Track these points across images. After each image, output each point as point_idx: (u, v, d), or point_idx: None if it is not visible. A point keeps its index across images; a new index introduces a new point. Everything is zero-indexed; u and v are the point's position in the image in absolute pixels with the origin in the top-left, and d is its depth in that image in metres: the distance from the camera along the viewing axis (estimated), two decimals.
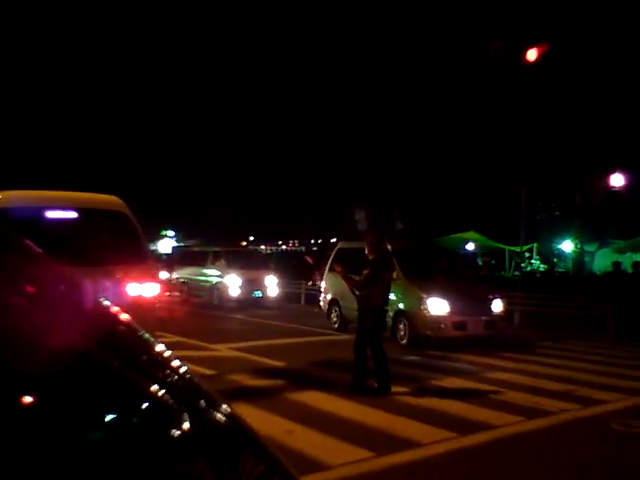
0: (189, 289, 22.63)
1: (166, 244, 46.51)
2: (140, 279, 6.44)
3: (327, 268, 14.94)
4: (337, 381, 8.13)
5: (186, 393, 0.87)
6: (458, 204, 37.43)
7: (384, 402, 7.16)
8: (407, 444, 5.61)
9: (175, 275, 24.04)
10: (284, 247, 63.19)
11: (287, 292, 22.83)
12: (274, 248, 57.42)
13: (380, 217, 34.07)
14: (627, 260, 19.81)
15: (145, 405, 0.75)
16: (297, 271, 25.50)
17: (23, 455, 0.55)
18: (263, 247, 52.85)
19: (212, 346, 11.37)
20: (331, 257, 15.00)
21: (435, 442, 5.70)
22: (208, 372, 8.78)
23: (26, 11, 47.75)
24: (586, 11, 19.69)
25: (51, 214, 6.50)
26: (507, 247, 30.71)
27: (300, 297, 22.58)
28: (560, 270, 32.24)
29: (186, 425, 0.74)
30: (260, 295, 20.42)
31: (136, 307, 6.22)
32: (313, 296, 19.21)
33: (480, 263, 27.98)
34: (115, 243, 6.44)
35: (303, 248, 56.35)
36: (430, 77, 45.04)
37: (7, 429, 0.56)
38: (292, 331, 13.97)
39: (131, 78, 54.76)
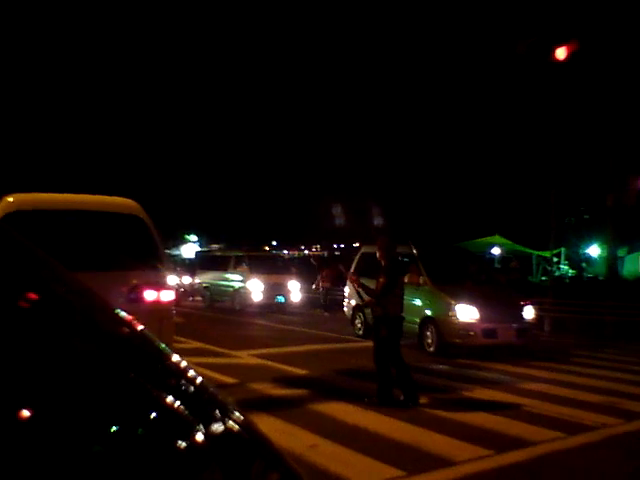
0: (211, 294, 22.45)
1: (189, 249, 46.56)
2: (156, 284, 6.22)
3: (350, 273, 14.59)
4: (363, 391, 7.76)
5: (201, 403, 0.87)
6: (482, 207, 36.82)
7: (413, 415, 6.78)
8: (439, 462, 5.22)
9: (197, 280, 23.91)
10: (306, 252, 62.92)
11: (310, 297, 22.51)
12: (296, 252, 57.18)
13: (391, 220, 33.65)
14: None
15: (153, 415, 0.75)
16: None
17: (24, 467, 0.55)
18: (286, 252, 52.66)
19: (233, 353, 11.09)
20: (355, 261, 14.66)
21: (469, 460, 5.31)
22: (229, 380, 8.51)
23: (35, 17, 48.31)
24: (616, 8, 19.10)
25: (66, 217, 6.31)
26: (534, 252, 30.06)
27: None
28: (589, 275, 31.49)
29: (199, 436, 0.75)
30: (283, 300, 20.15)
31: (152, 313, 6.03)
32: (336, 301, 18.85)
33: (499, 266, 27.48)
34: (131, 247, 6.24)
35: (325, 253, 56.04)
36: (457, 76, 44.50)
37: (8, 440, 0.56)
38: (315, 337, 13.64)
39: (153, 85, 55.11)
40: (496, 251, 30.79)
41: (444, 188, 40.52)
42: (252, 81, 63.09)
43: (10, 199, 6.30)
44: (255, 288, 19.79)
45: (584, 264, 33.58)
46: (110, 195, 7.18)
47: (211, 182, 49.21)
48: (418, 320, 11.57)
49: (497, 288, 12.34)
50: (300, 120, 56.10)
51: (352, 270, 14.48)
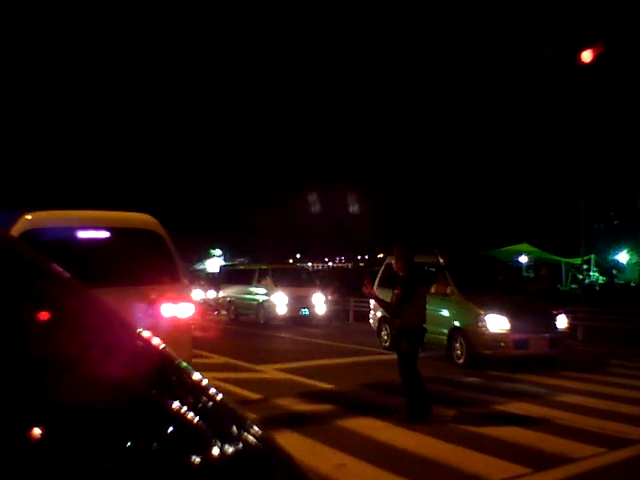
0: (236, 308, 22.37)
1: (214, 263, 46.74)
2: (175, 299, 6.11)
3: (376, 284, 14.37)
4: (392, 406, 7.51)
5: (218, 419, 0.88)
6: (510, 215, 36.28)
7: (444, 431, 6.50)
8: None
9: (222, 294, 23.87)
10: (330, 264, 62.75)
11: (335, 309, 22.27)
12: (321, 265, 57.03)
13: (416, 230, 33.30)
14: None
15: (170, 430, 0.76)
16: (345, 288, 25.00)
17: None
18: (310, 264, 52.53)
19: (258, 367, 10.91)
20: (380, 272, 14.43)
21: (507, 479, 5.02)
22: (253, 396, 8.33)
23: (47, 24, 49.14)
24: None
25: (83, 234, 6.26)
26: (563, 259, 29.51)
27: (349, 314, 21.99)
28: (620, 282, 30.78)
29: (215, 451, 0.76)
30: (307, 313, 19.95)
31: (170, 327, 5.92)
32: (363, 313, 18.59)
33: (532, 275, 26.94)
34: (149, 263, 6.17)
35: (350, 264, 55.81)
36: (483, 82, 44.11)
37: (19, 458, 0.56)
38: (341, 350, 13.40)
39: (177, 100, 55.71)
40: (524, 259, 30.28)
41: (470, 196, 40.08)
42: (268, 89, 63.41)
43: (28, 217, 6.26)
44: (279, 301, 19.64)
45: (614, 271, 32.87)
46: (132, 211, 7.11)
47: (235, 196, 49.42)
48: (446, 331, 11.27)
49: (528, 297, 11.99)
50: (323, 128, 56.12)
51: (377, 282, 14.28)
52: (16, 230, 5.95)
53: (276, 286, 19.91)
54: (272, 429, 6.35)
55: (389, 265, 14.03)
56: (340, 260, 65.84)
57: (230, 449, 0.80)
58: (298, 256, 57.03)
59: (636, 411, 7.39)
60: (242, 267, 27.02)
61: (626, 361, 11.57)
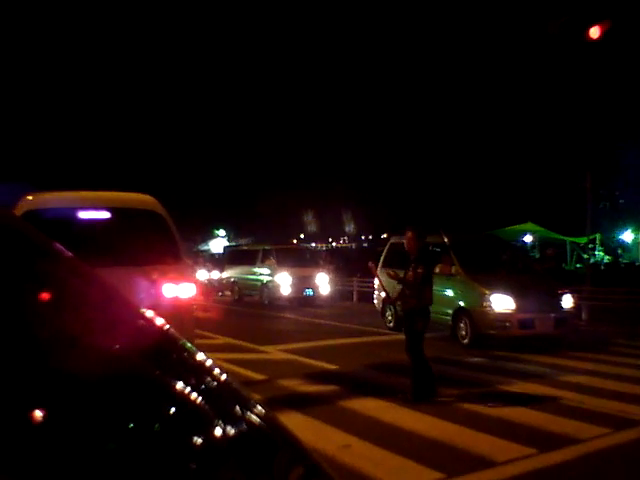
0: (239, 288, 22.37)
1: (218, 244, 46.73)
2: (176, 279, 6.07)
3: (380, 264, 14.32)
4: (397, 387, 7.49)
5: (222, 399, 0.88)
6: (514, 194, 36.08)
7: (450, 411, 6.48)
8: (481, 462, 4.92)
9: (226, 274, 23.86)
10: (334, 244, 62.70)
11: (339, 290, 22.27)
12: (324, 245, 56.97)
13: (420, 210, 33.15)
14: None
15: (172, 411, 0.76)
16: (349, 268, 24.98)
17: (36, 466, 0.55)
18: (314, 244, 52.48)
19: (262, 348, 10.91)
20: (384, 253, 14.37)
21: (512, 460, 4.99)
22: (257, 377, 8.32)
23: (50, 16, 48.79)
24: None
25: (85, 215, 6.22)
26: (568, 238, 29.36)
27: (352, 295, 21.99)
28: (625, 261, 30.64)
29: (218, 431, 0.77)
30: (311, 293, 19.94)
31: (172, 307, 5.88)
32: (367, 294, 18.58)
33: (538, 255, 26.86)
34: (150, 243, 6.13)
35: (353, 245, 55.76)
36: (488, 59, 43.58)
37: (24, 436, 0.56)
38: (345, 331, 13.39)
39: (179, 83, 55.34)
40: (528, 239, 30.17)
41: (474, 175, 39.82)
42: (272, 76, 62.89)
43: (30, 197, 6.23)
44: (283, 282, 19.63)
45: (620, 250, 32.73)
46: (136, 192, 7.05)
47: (238, 176, 49.26)
48: (451, 311, 11.23)
49: (533, 277, 11.91)
50: (326, 111, 55.74)
51: (381, 262, 14.22)
52: (18, 211, 5.91)
53: (280, 266, 19.88)
54: (276, 410, 6.33)
55: (393, 245, 13.99)
56: (344, 240, 65.76)
57: (233, 429, 0.80)
58: (302, 236, 56.96)
59: None
60: (246, 248, 26.97)
61: (632, 340, 11.53)
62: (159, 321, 1.01)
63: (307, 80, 62.52)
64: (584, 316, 14.94)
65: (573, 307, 11.52)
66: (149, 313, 1.01)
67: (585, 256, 26.72)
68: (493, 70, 42.30)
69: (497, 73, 41.77)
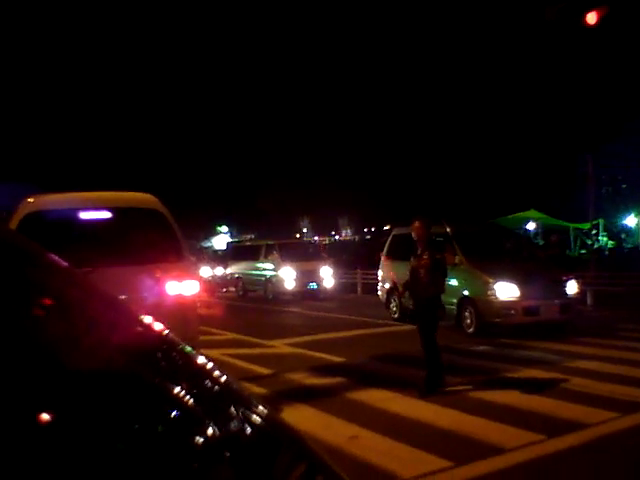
0: (244, 284, 22.40)
1: (221, 240, 46.76)
2: (179, 277, 6.08)
3: (383, 255, 14.32)
4: (403, 377, 7.51)
5: (223, 401, 0.89)
6: (516, 182, 35.99)
7: (457, 400, 6.48)
8: (489, 450, 4.93)
9: (229, 270, 23.89)
10: (337, 237, 62.70)
11: (343, 282, 22.28)
12: (327, 238, 56.97)
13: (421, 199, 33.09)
14: None
15: (174, 414, 0.78)
16: (352, 260, 24.99)
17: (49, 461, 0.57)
18: (317, 238, 52.49)
19: (268, 342, 10.92)
20: (387, 244, 14.37)
21: (521, 447, 5.00)
22: (264, 371, 8.34)
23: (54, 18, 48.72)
24: None
25: (86, 215, 6.23)
26: (571, 224, 29.30)
27: (356, 287, 22.00)
28: (628, 246, 30.60)
29: (219, 432, 0.77)
30: (315, 287, 19.94)
31: (175, 305, 5.90)
32: (371, 286, 18.58)
33: (542, 242, 26.80)
34: (152, 242, 6.14)
35: (356, 237, 55.72)
36: (485, 46, 43.36)
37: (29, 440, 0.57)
38: (350, 323, 13.40)
39: (175, 81, 55.27)
40: (531, 226, 30.11)
41: (476, 164, 39.72)
42: (273, 78, 62.76)
43: (31, 200, 6.24)
44: (287, 276, 19.64)
45: (623, 235, 32.68)
46: (139, 191, 7.06)
47: (239, 173, 49.24)
48: (455, 301, 11.22)
49: (537, 264, 11.89)
50: (326, 105, 55.62)
51: (384, 253, 14.22)
52: (20, 213, 5.92)
53: (283, 261, 19.88)
54: (283, 403, 6.35)
55: (396, 236, 13.98)
56: (346, 233, 65.73)
57: (234, 430, 0.81)
58: (304, 230, 56.95)
59: None
60: (249, 243, 26.98)
61: (637, 325, 11.50)
62: (158, 326, 1.02)
63: (306, 75, 62.38)
64: (589, 302, 14.94)
65: (578, 293, 11.51)
66: (148, 318, 1.02)
67: (589, 242, 26.70)
68: (492, 57, 42.11)
69: (496, 60, 41.58)
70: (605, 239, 30.34)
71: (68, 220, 6.02)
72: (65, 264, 1.03)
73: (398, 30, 53.31)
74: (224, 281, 24.98)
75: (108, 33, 52.55)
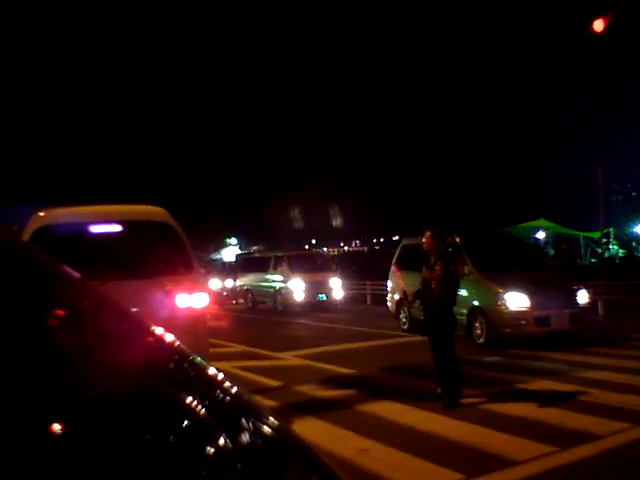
0: (253, 296, 22.41)
1: (230, 252, 46.81)
2: (189, 289, 6.09)
3: (392, 266, 14.29)
4: (413, 389, 7.48)
5: (232, 412, 0.90)
6: (524, 191, 35.87)
7: (467, 412, 6.43)
8: (501, 462, 4.88)
9: (239, 282, 23.92)
10: (346, 248, 62.65)
11: (352, 293, 22.24)
12: (336, 250, 56.96)
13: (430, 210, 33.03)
14: None
15: (186, 424, 0.79)
16: (361, 271, 24.95)
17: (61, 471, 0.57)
18: (325, 249, 52.48)
19: (277, 354, 10.91)
20: (396, 254, 14.34)
21: (534, 459, 4.94)
22: (273, 383, 8.32)
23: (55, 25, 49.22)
24: None
25: (96, 229, 6.26)
26: (581, 233, 29.14)
27: (366, 298, 21.94)
28: (639, 255, 30.37)
29: (230, 443, 0.77)
30: (325, 298, 19.93)
31: (185, 318, 5.91)
32: (380, 296, 18.54)
33: (553, 251, 26.67)
34: (162, 254, 6.15)
35: (365, 248, 55.67)
36: (491, 54, 43.42)
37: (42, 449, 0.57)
38: (360, 334, 13.36)
39: (182, 94, 55.67)
40: (541, 235, 29.96)
41: (485, 174, 39.66)
42: (279, 82, 63.08)
43: (41, 214, 6.28)
44: (296, 287, 19.64)
45: (634, 243, 32.43)
46: (148, 203, 7.09)
47: (248, 185, 49.42)
48: (465, 311, 11.16)
49: (547, 273, 11.83)
50: (335, 117, 55.82)
51: (394, 264, 14.18)
52: (30, 227, 5.97)
53: (292, 272, 19.90)
54: (293, 416, 6.33)
55: (405, 247, 13.96)
56: (355, 244, 65.69)
57: (245, 441, 0.81)
58: (314, 242, 56.96)
59: None
60: (258, 255, 27.03)
61: None
62: (169, 337, 1.03)
63: (315, 86, 62.66)
64: (600, 311, 14.83)
65: (589, 302, 11.43)
66: (159, 330, 1.03)
67: (599, 250, 26.52)
68: (499, 65, 42.15)
69: (503, 68, 41.60)
70: (616, 248, 30.12)
71: (78, 234, 6.06)
72: (78, 276, 1.04)
73: (408, 41, 53.40)
74: (233, 293, 25.00)
75: (111, 42, 52.99)
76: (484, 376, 8.24)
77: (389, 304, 14.54)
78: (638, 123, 27.77)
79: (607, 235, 27.97)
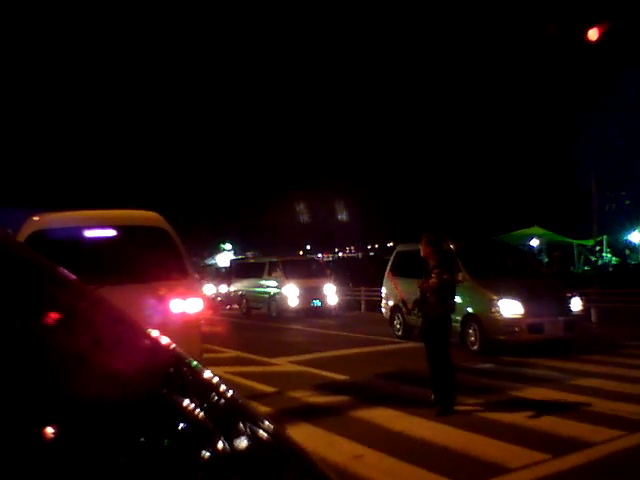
0: (247, 301, 22.38)
1: (224, 258, 46.77)
2: (183, 295, 6.09)
3: (387, 273, 14.31)
4: (407, 395, 7.48)
5: (230, 416, 0.89)
6: (519, 198, 36.02)
7: (461, 419, 6.44)
8: (493, 469, 4.89)
9: (233, 288, 23.89)
10: (340, 254, 62.67)
11: (347, 299, 22.25)
12: (330, 255, 56.97)
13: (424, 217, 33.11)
14: None
15: (181, 427, 0.79)
16: (355, 277, 24.97)
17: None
18: (320, 255, 52.51)
19: (272, 360, 10.90)
20: (390, 261, 14.37)
21: (526, 466, 4.96)
22: (267, 389, 8.31)
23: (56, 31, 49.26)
24: None
25: (91, 233, 6.26)
26: (575, 241, 29.27)
27: (360, 304, 21.95)
28: (633, 262, 30.50)
29: (226, 447, 0.77)
30: (319, 304, 19.91)
31: (179, 323, 5.91)
32: (374, 303, 18.55)
33: (547, 259, 26.76)
34: (156, 259, 6.15)
35: (359, 254, 55.74)
36: (487, 63, 43.62)
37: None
38: (354, 340, 13.36)
39: (178, 100, 55.69)
40: (535, 242, 30.08)
41: (479, 181, 39.81)
42: (273, 87, 63.25)
43: (36, 218, 6.28)
44: (291, 293, 19.63)
45: (627, 251, 32.58)
46: (143, 208, 7.09)
47: (242, 190, 49.40)
48: (459, 318, 11.17)
49: (541, 281, 11.87)
50: (327, 120, 55.92)
51: (388, 270, 14.21)
52: (24, 232, 5.96)
53: (287, 278, 19.89)
54: (287, 421, 6.32)
55: (400, 253, 13.99)
56: (350, 250, 65.72)
57: (241, 445, 0.81)
58: (308, 247, 56.98)
59: None
60: (252, 260, 27.03)
61: None
62: (165, 340, 1.02)
63: (311, 91, 62.83)
64: (593, 319, 14.89)
65: (582, 310, 11.48)
66: (155, 333, 1.03)
67: (593, 258, 26.64)
68: (495, 74, 42.36)
69: (499, 77, 41.81)
70: (609, 255, 30.27)
71: (73, 238, 6.05)
72: (74, 278, 1.04)
73: (407, 50, 53.63)
74: (228, 298, 24.97)
75: (107, 47, 52.94)
76: (477, 383, 8.25)
77: (383, 310, 14.55)
78: (631, 130, 27.95)
79: (600, 243, 28.12)
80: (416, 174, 44.13)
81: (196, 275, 8.18)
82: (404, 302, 8.11)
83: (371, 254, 49.34)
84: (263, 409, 6.79)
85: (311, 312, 19.66)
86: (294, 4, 58.93)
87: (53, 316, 0.89)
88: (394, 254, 14.43)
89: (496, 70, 41.84)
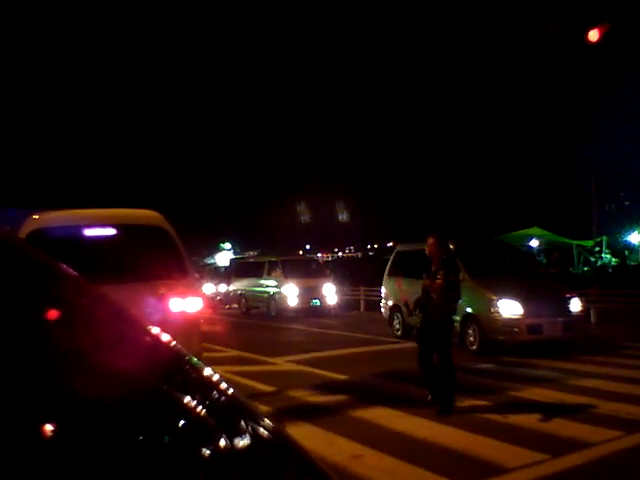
0: (246, 301, 22.39)
1: (224, 257, 46.81)
2: (183, 294, 6.09)
3: (386, 273, 14.32)
4: (406, 395, 7.49)
5: (230, 414, 0.90)
6: (519, 199, 36.03)
7: (460, 419, 6.44)
8: (491, 469, 4.90)
9: (232, 287, 23.89)
10: (340, 254, 62.70)
11: (346, 299, 22.25)
12: (330, 255, 57.00)
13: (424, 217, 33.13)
14: None
15: (181, 424, 0.79)
16: (355, 277, 24.98)
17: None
18: (320, 255, 52.53)
19: (271, 359, 10.90)
20: (390, 261, 14.37)
21: (524, 466, 4.96)
22: (266, 388, 8.31)
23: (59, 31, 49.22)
24: None
25: (91, 232, 6.26)
26: (574, 242, 29.29)
27: (359, 304, 21.96)
28: (632, 263, 30.54)
29: (226, 445, 0.77)
30: (318, 304, 19.92)
31: (179, 322, 5.90)
32: (373, 302, 18.55)
33: (546, 260, 26.76)
34: (156, 258, 6.15)
35: (359, 254, 55.77)
36: (488, 64, 43.61)
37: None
38: (353, 340, 13.37)
39: (179, 100, 55.70)
40: (534, 243, 30.10)
41: (479, 181, 39.82)
42: (273, 87, 63.24)
43: (36, 217, 6.28)
44: (290, 293, 19.63)
45: (626, 252, 32.62)
46: (143, 208, 7.09)
47: (242, 190, 49.43)
48: (459, 318, 11.14)
49: (541, 281, 11.88)
50: (329, 119, 55.88)
51: (387, 270, 14.21)
52: (24, 230, 5.96)
53: (286, 278, 19.89)
54: (286, 421, 6.32)
55: (399, 253, 14.00)
56: (349, 250, 65.75)
57: (240, 443, 0.81)
58: (308, 247, 57.00)
59: None
60: (252, 260, 27.03)
61: None
62: (165, 337, 1.02)
63: (311, 91, 62.82)
64: (593, 319, 14.90)
65: (581, 310, 11.48)
66: (155, 330, 1.03)
67: (592, 259, 26.64)
68: (496, 75, 42.36)
69: (500, 78, 41.79)
70: (609, 256, 30.29)
71: (73, 237, 6.05)
72: (75, 274, 1.04)
73: (407, 50, 53.62)
74: (227, 298, 24.97)
75: (107, 47, 52.95)
76: (477, 383, 8.25)
77: (383, 310, 14.55)
78: (631, 131, 27.98)
79: (600, 243, 28.13)
80: (416, 174, 44.16)
81: (196, 274, 8.19)
82: (407, 304, 8.08)
83: (370, 254, 49.31)
84: (262, 408, 6.78)
85: (310, 312, 19.66)
86: (294, 4, 58.96)
87: (54, 313, 0.89)
88: (394, 254, 14.44)
89: (497, 71, 41.85)
